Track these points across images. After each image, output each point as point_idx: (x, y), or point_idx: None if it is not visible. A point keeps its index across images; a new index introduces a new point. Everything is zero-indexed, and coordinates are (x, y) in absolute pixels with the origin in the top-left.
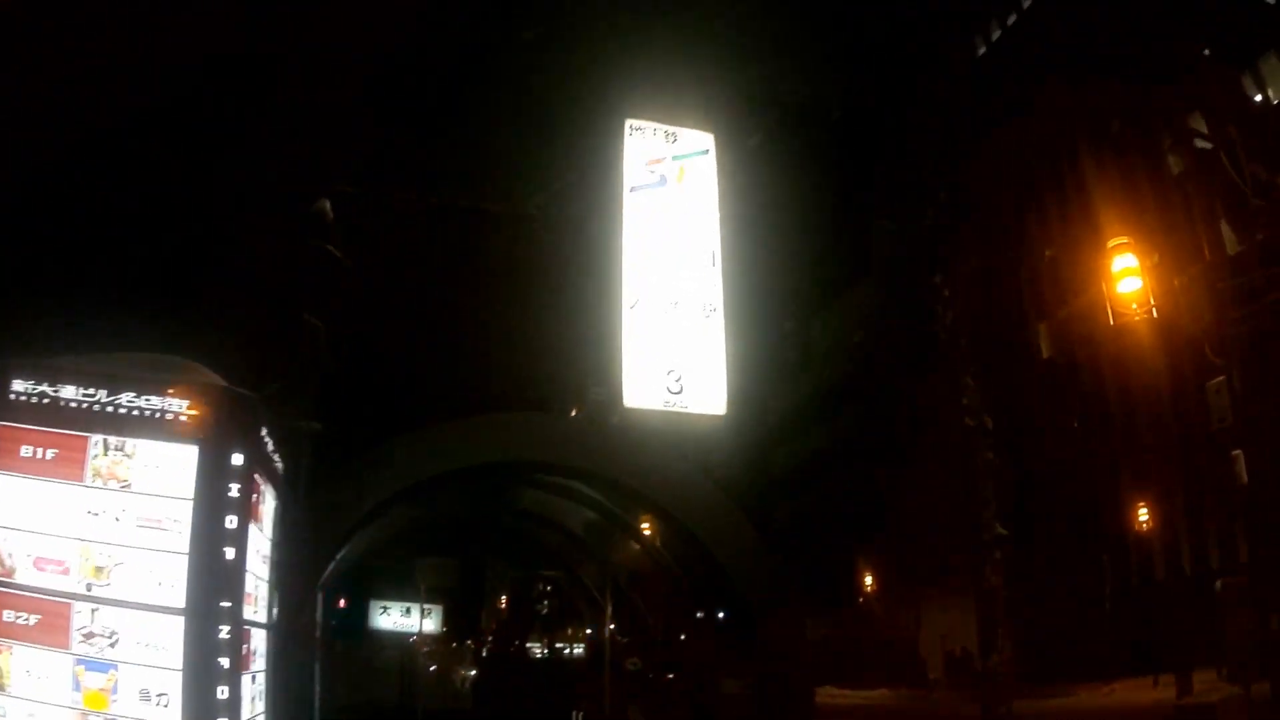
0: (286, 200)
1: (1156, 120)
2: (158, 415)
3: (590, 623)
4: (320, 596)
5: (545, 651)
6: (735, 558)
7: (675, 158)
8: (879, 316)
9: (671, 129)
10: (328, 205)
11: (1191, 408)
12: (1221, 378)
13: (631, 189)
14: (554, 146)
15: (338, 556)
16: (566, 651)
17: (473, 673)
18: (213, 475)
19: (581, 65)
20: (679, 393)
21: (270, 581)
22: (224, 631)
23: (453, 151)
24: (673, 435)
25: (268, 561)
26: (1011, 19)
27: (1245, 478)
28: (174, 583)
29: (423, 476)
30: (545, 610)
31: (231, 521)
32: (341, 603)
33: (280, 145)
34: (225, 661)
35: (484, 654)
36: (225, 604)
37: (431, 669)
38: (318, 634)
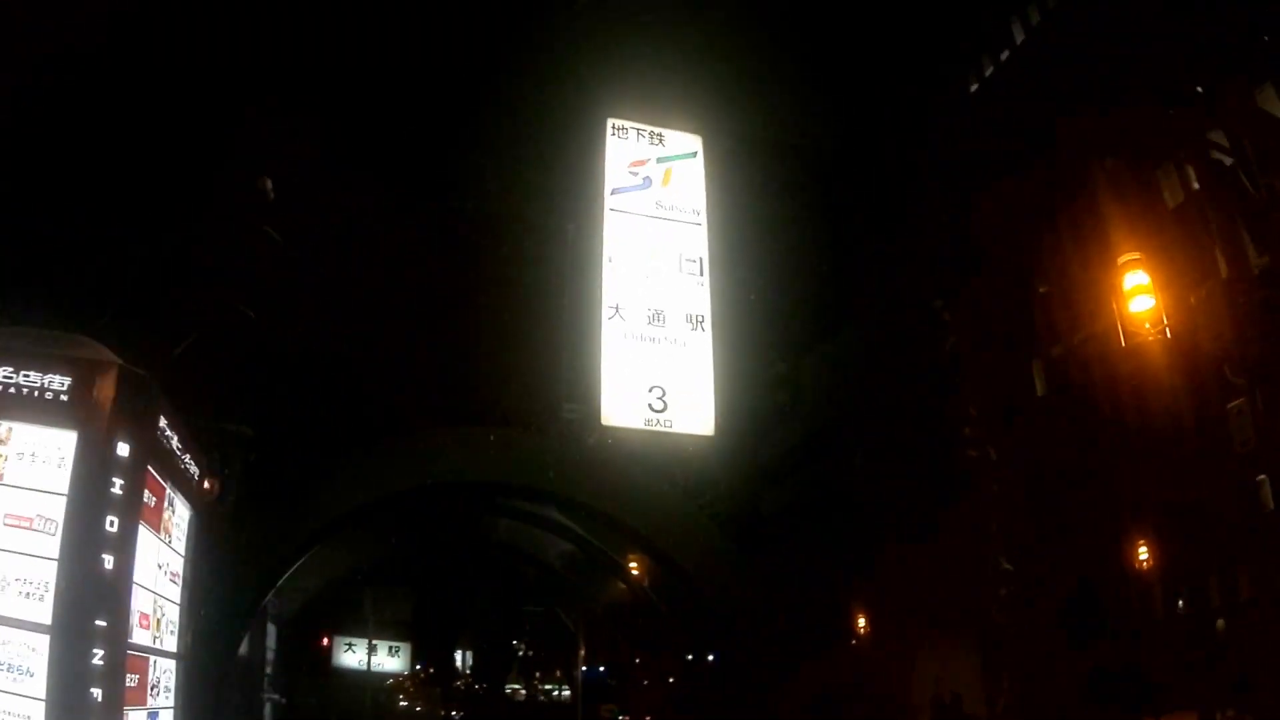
0: (226, 181)
1: (1167, 140)
2: (35, 393)
3: (573, 663)
4: (274, 630)
5: (524, 693)
6: (724, 596)
7: (660, 160)
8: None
9: (657, 130)
10: (269, 184)
11: (1210, 431)
12: (1242, 399)
13: (613, 191)
14: (531, 144)
15: (293, 585)
16: (553, 693)
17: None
18: (92, 466)
19: (562, 61)
20: (662, 411)
21: (182, 605)
22: (98, 656)
23: (420, 147)
24: (656, 458)
25: (179, 581)
26: (1004, 55)
27: (1271, 503)
28: (43, 594)
29: (380, 493)
30: (523, 651)
31: (112, 523)
32: (325, 640)
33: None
34: (98, 693)
35: (452, 697)
36: (101, 623)
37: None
38: (268, 671)
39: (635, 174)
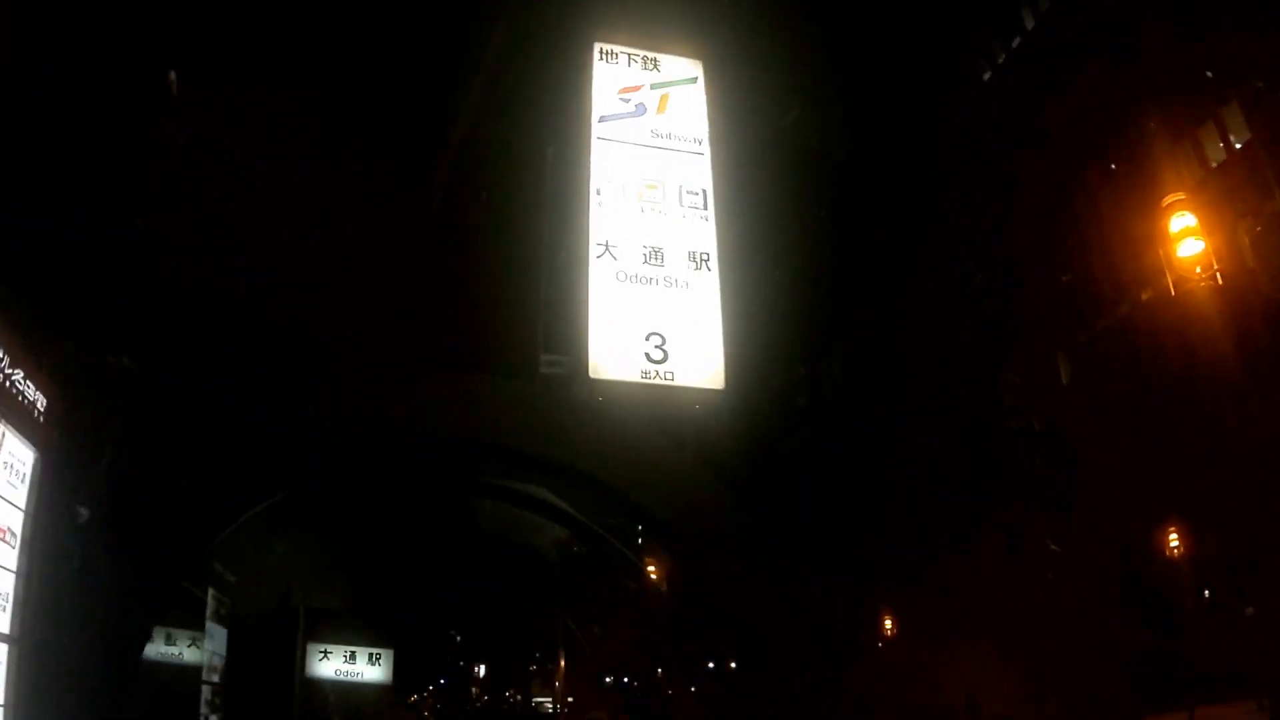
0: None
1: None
2: None
3: (572, 666)
4: (223, 633)
5: (518, 701)
6: (741, 585)
7: (655, 86)
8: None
9: (651, 54)
10: (173, 77)
11: (1270, 394)
12: None
13: (600, 118)
14: (510, 68)
15: (253, 580)
16: (550, 706)
17: None
18: None
19: None
20: (662, 361)
21: (19, 572)
22: None
23: (385, 72)
24: (656, 416)
25: (13, 541)
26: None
27: None
28: None
29: (323, 452)
30: (516, 654)
31: None
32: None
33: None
34: None
35: (438, 707)
36: None
37: None
38: (214, 679)
39: (626, 100)
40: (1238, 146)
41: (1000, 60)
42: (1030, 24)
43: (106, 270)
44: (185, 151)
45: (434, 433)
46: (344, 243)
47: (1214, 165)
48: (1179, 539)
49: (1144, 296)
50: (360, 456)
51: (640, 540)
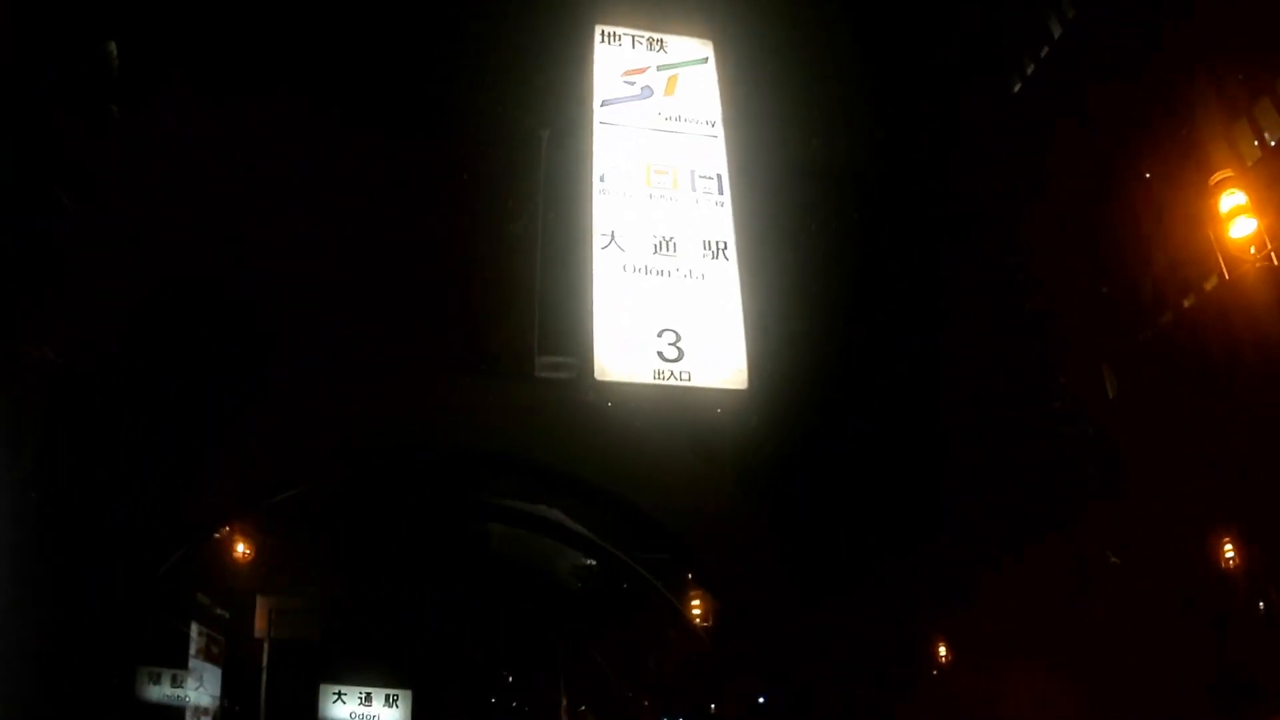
0: None
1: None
2: None
3: (602, 710)
4: (216, 674)
5: None
6: (777, 613)
7: (662, 67)
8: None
9: (657, 35)
10: (113, 49)
11: None
12: None
13: (603, 103)
14: (505, 50)
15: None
16: None
17: None
18: None
19: None
20: (676, 360)
21: None
22: None
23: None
24: (673, 422)
25: None
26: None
27: None
28: None
29: (285, 457)
30: (543, 693)
31: None
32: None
33: None
34: None
35: None
36: None
37: None
38: None
39: (631, 84)
40: None
41: (1030, 71)
42: (1058, 32)
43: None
44: (134, 131)
45: (423, 438)
46: (309, 223)
47: (1273, 144)
48: (1234, 549)
49: (1194, 289)
50: (334, 465)
51: (667, 567)
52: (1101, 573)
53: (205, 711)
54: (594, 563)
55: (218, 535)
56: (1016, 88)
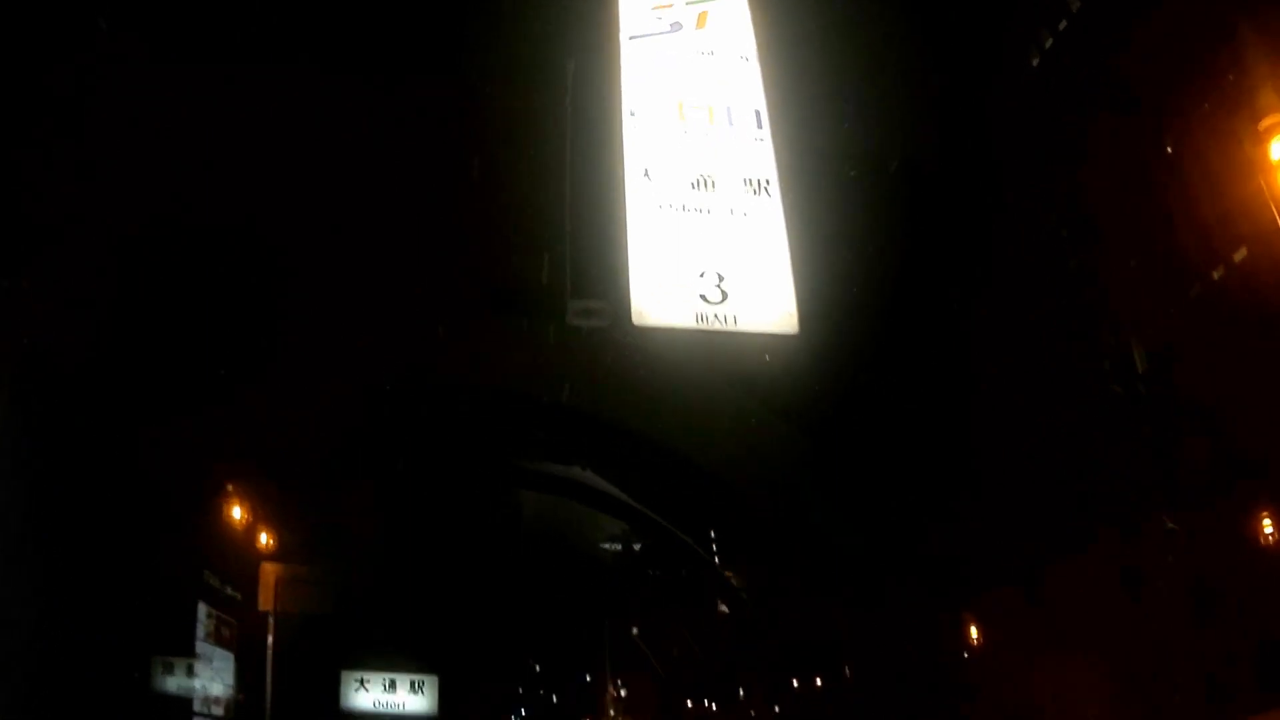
0: None
1: None
2: None
3: (639, 698)
4: (229, 659)
5: None
6: (827, 586)
7: (690, 2)
8: None
9: None
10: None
11: None
12: None
13: (630, 37)
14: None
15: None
16: None
17: None
18: None
19: None
20: (720, 302)
21: None
22: None
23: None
24: (719, 370)
25: None
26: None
27: None
28: None
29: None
30: (587, 684)
31: None
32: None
33: None
34: None
35: None
36: None
37: None
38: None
39: (660, 18)
40: None
41: (1048, 45)
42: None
43: None
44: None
45: (457, 382)
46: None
47: None
48: (1274, 525)
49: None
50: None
51: (707, 529)
52: (1157, 549)
53: (217, 701)
54: (628, 535)
55: (228, 505)
56: (1035, 61)
